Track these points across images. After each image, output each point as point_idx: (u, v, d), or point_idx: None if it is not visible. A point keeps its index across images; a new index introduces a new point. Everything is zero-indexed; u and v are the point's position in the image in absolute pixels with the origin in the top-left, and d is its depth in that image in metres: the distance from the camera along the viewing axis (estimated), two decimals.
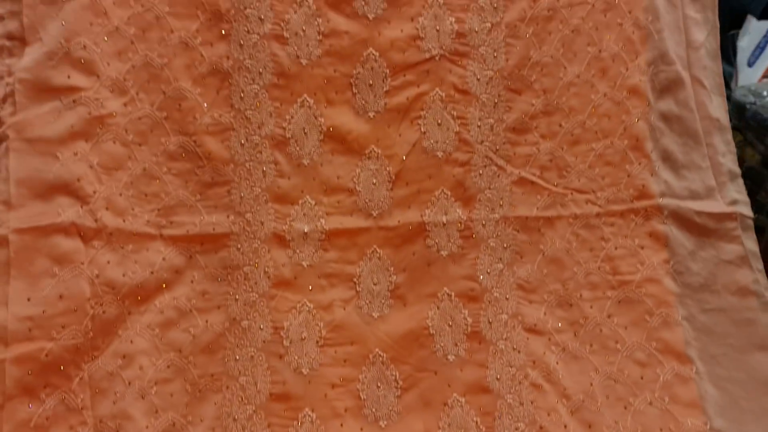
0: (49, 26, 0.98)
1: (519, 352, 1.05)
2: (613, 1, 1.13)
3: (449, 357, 1.04)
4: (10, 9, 0.99)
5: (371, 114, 1.10)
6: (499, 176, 1.11)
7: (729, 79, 2.01)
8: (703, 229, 1.11)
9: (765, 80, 2.58)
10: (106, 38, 1.01)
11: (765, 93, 2.36)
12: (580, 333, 1.07)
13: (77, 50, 0.99)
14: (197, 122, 1.04)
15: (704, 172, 1.12)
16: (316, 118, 1.08)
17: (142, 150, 1.02)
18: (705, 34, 1.17)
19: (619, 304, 1.08)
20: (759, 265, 1.11)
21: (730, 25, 1.89)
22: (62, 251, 0.95)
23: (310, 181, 1.07)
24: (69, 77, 0.98)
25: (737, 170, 1.15)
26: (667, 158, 1.12)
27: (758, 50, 2.58)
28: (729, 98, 2.04)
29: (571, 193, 1.11)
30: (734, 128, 2.42)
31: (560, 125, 1.12)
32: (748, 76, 2.60)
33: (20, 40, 0.98)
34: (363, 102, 1.10)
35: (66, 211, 0.96)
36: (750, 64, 2.62)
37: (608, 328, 1.07)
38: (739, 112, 2.38)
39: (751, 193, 2.35)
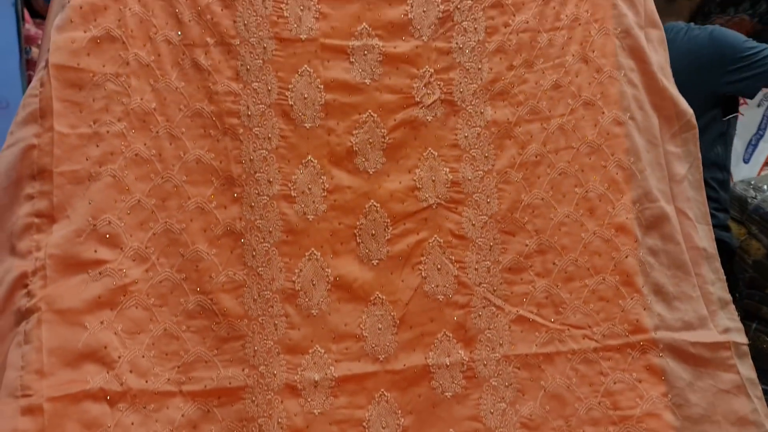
0: (77, 205, 1.08)
1: None
2: (596, 145, 1.21)
3: None
4: (40, 189, 1.08)
5: (375, 262, 1.17)
6: (497, 316, 1.17)
7: (727, 161, 2.05)
8: (699, 359, 1.15)
9: (765, 173, 2.65)
10: (129, 212, 1.11)
11: (765, 187, 2.41)
12: None
13: (103, 226, 1.08)
14: (213, 281, 1.12)
15: (696, 302, 1.17)
16: (323, 269, 1.16)
17: (163, 311, 1.10)
18: (687, 166, 1.24)
19: None
20: (757, 392, 1.15)
21: (724, 111, 1.97)
22: (91, 416, 1.02)
23: (319, 331, 1.14)
24: (96, 251, 1.07)
25: (728, 297, 1.20)
26: (659, 291, 1.17)
27: (751, 147, 2.66)
28: (728, 190, 2.09)
29: (568, 329, 1.16)
30: (737, 221, 2.47)
31: (554, 263, 1.19)
32: (744, 173, 2.67)
33: (48, 217, 1.08)
34: (367, 251, 1.17)
35: (94, 377, 1.03)
36: (746, 161, 2.69)
37: None
38: (741, 206, 2.44)
39: (760, 286, 2.38)
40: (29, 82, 2.36)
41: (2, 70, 2.16)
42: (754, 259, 2.32)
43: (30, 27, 2.41)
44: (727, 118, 2.04)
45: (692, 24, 2.08)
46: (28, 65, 2.29)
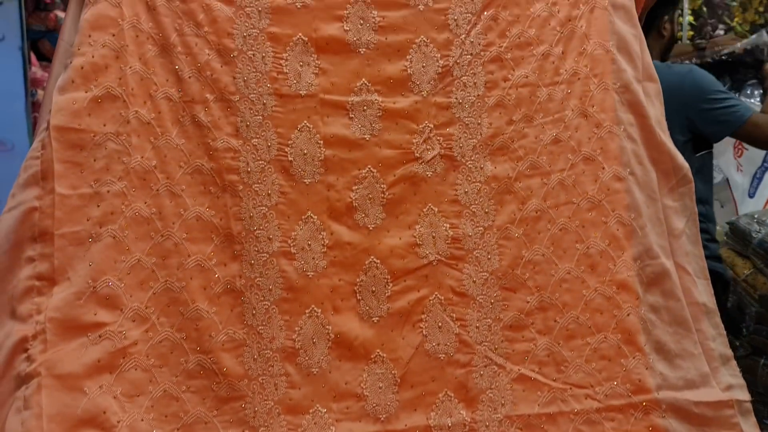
0: (77, 267, 1.08)
1: None
2: (596, 201, 1.21)
3: None
4: (41, 251, 1.08)
5: (375, 319, 1.17)
6: (499, 375, 1.16)
7: (709, 195, 2.08)
8: (702, 418, 1.14)
9: None
10: (129, 272, 1.11)
11: None
12: None
13: (103, 288, 1.08)
14: (213, 340, 1.12)
15: (697, 359, 1.17)
16: (323, 326, 1.15)
17: (163, 372, 1.10)
18: (684, 221, 1.24)
19: None
20: None
21: (695, 147, 2.01)
22: None
23: (320, 389, 1.13)
24: (95, 314, 1.07)
25: (729, 353, 1.19)
26: (660, 349, 1.16)
27: (756, 181, 2.66)
28: (714, 221, 2.09)
29: (570, 389, 1.15)
30: (740, 255, 2.46)
31: (555, 320, 1.18)
32: (750, 209, 2.67)
33: (49, 280, 1.07)
34: (367, 308, 1.17)
35: None
36: (751, 196, 2.69)
37: None
38: (744, 240, 2.43)
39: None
40: (35, 124, 2.41)
41: (8, 112, 2.20)
42: (761, 293, 2.31)
43: (36, 70, 2.44)
44: (700, 154, 2.07)
45: (669, 62, 2.12)
46: (33, 107, 2.32)
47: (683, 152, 2.03)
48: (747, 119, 1.98)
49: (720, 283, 1.90)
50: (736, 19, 3.32)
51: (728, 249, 2.60)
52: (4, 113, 2.18)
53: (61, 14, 2.54)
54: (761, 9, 3.26)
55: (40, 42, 2.59)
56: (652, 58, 2.14)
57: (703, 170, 2.12)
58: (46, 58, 2.55)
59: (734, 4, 3.29)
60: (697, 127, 2.00)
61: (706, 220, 2.07)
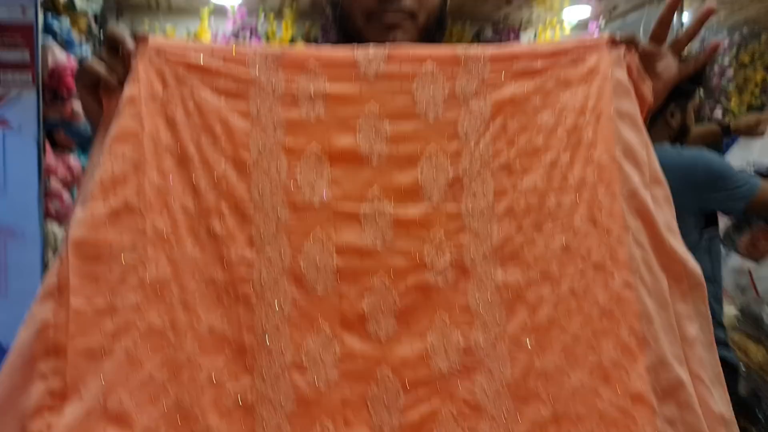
0: (89, 383, 1.08)
1: None
2: (607, 309, 1.21)
3: None
4: (54, 367, 1.08)
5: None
6: None
7: (717, 274, 2.10)
8: None
9: None
10: (140, 388, 1.10)
11: None
12: None
13: (114, 405, 1.07)
14: None
15: None
16: None
17: None
18: (697, 326, 1.23)
19: None
20: None
21: (705, 222, 2.02)
22: None
23: None
24: None
25: None
26: None
27: None
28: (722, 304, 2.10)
29: None
30: (753, 339, 2.43)
31: None
32: None
33: (61, 396, 1.07)
34: (379, 422, 1.16)
35: None
36: None
37: None
38: (756, 324, 2.42)
39: None
40: (46, 212, 2.46)
41: (21, 201, 2.24)
42: None
43: (50, 159, 2.50)
44: (708, 229, 2.09)
45: (678, 145, 2.16)
46: (46, 196, 2.36)
47: (693, 231, 2.05)
48: (756, 191, 2.01)
49: (727, 370, 1.89)
50: (733, 101, 3.39)
51: (740, 333, 2.58)
52: (16, 202, 2.22)
53: (77, 106, 2.63)
54: (757, 92, 3.34)
55: (55, 131, 2.66)
56: (661, 143, 2.19)
57: (711, 248, 2.12)
58: (59, 146, 2.63)
59: (731, 86, 3.37)
60: (711, 208, 2.03)
61: (715, 302, 2.06)
